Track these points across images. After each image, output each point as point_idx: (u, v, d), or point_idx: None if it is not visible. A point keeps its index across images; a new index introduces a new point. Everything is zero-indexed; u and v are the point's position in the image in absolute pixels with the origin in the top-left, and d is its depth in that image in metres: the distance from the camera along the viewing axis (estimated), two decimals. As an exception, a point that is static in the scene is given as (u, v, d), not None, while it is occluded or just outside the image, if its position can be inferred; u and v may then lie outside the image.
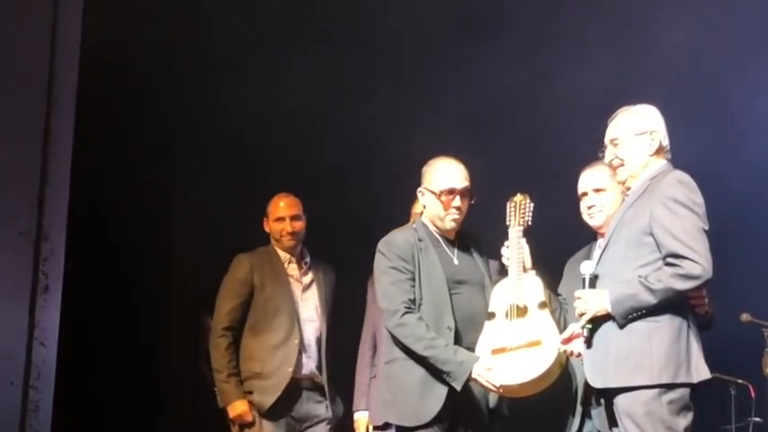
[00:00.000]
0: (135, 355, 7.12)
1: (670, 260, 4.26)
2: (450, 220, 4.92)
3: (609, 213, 4.83)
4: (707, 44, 6.95)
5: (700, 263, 4.23)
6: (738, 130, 7.33)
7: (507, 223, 4.96)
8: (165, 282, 7.40)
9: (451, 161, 4.96)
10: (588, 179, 4.93)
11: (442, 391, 4.68)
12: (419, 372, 4.72)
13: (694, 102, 6.98)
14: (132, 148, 7.02)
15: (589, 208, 4.91)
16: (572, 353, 4.60)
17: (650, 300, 4.25)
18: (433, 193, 4.91)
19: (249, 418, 5.84)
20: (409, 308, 4.75)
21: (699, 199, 4.35)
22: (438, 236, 4.94)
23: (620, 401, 4.31)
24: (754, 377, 6.66)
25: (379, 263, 4.87)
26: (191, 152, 7.54)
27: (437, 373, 4.69)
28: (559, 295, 5.05)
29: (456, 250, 4.96)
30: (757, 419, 6.71)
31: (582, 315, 4.40)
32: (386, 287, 4.82)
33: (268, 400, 5.78)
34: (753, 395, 6.71)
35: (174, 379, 7.33)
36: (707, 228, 4.32)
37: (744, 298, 6.73)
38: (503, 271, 4.98)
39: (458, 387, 4.66)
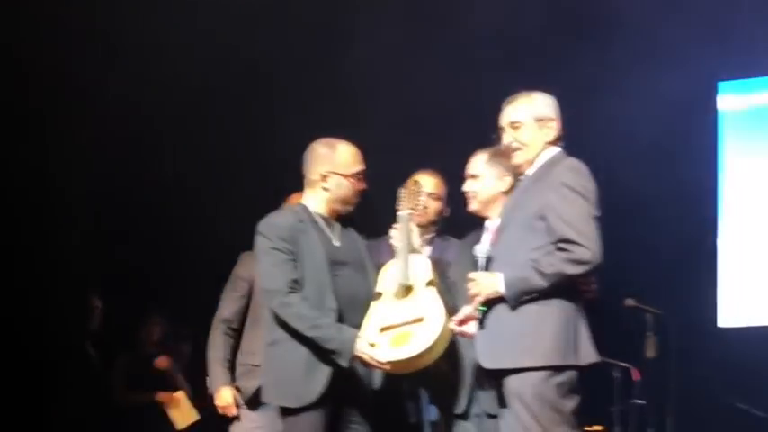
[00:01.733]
0: (19, 337, 7.01)
1: (561, 245, 4.33)
2: (354, 203, 4.93)
3: (480, 199, 4.89)
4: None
5: (590, 248, 4.31)
6: (624, 116, 7.49)
7: (398, 207, 5.02)
8: (49, 264, 7.29)
9: (349, 143, 4.95)
10: (470, 164, 4.98)
11: (326, 371, 4.66)
12: (303, 352, 4.68)
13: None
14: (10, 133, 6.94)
15: (466, 194, 4.97)
16: (465, 334, 4.65)
17: (542, 283, 4.32)
18: (345, 176, 4.88)
19: (233, 411, 5.79)
20: (293, 288, 4.72)
21: (591, 186, 4.42)
22: (318, 218, 4.91)
23: (510, 383, 4.37)
24: (636, 360, 6.80)
25: (261, 244, 4.82)
26: (72, 137, 7.43)
27: (322, 352, 4.67)
28: (449, 278, 5.10)
29: (336, 232, 4.94)
30: (639, 401, 6.85)
31: (475, 297, 4.46)
32: (268, 268, 4.78)
33: (254, 384, 5.64)
34: (635, 378, 6.84)
35: (59, 360, 7.23)
36: (598, 214, 4.39)
37: (627, 283, 6.88)
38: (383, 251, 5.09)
39: (344, 364, 4.65)
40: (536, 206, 4.42)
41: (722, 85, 8.07)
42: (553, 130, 4.59)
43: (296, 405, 4.67)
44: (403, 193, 5.06)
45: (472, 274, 4.49)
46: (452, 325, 4.68)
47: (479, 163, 4.92)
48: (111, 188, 7.44)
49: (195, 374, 7.74)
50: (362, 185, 4.91)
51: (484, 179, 4.90)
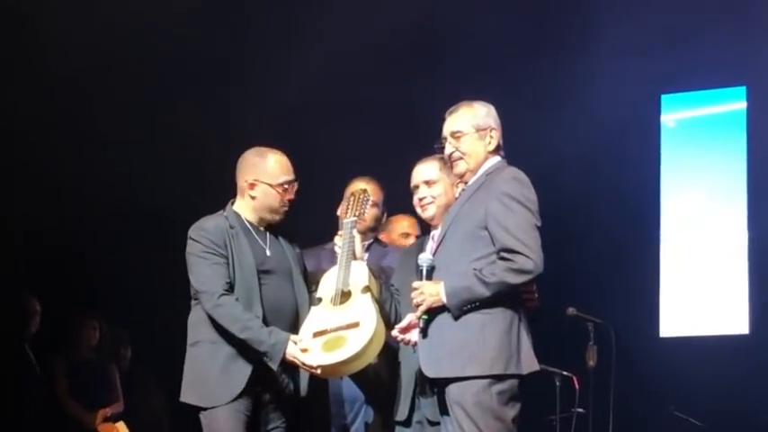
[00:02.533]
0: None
1: (503, 254, 4.35)
2: (282, 213, 4.93)
3: (439, 205, 4.89)
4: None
5: (532, 258, 4.33)
6: (567, 126, 7.55)
7: (340, 214, 5.09)
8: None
9: (280, 153, 4.96)
10: (420, 172, 4.97)
11: (245, 373, 4.68)
12: (223, 354, 4.70)
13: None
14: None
15: (421, 200, 4.96)
16: (408, 342, 4.66)
17: (484, 292, 4.34)
18: (272, 186, 4.89)
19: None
20: (227, 290, 4.73)
21: (532, 195, 4.44)
22: (249, 225, 4.92)
23: (452, 391, 4.39)
24: (578, 369, 6.84)
25: (193, 248, 4.82)
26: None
27: (252, 353, 4.68)
28: (392, 285, 5.11)
29: (267, 240, 4.95)
30: (580, 410, 6.88)
31: (418, 306, 4.47)
32: (202, 270, 4.77)
33: None
34: (577, 387, 6.88)
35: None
36: (539, 224, 4.41)
37: (569, 292, 6.93)
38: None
39: (274, 367, 4.68)
40: (478, 215, 4.44)
41: (665, 98, 8.15)
42: (494, 139, 4.61)
43: (210, 405, 4.69)
44: (350, 200, 5.09)
45: (416, 283, 4.50)
46: (395, 333, 4.69)
47: (433, 170, 4.93)
48: (51, 187, 7.36)
49: (135, 379, 7.73)
50: (290, 196, 4.92)
51: (441, 185, 4.92)
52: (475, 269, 4.37)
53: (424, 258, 4.54)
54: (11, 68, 7.08)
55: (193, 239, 4.84)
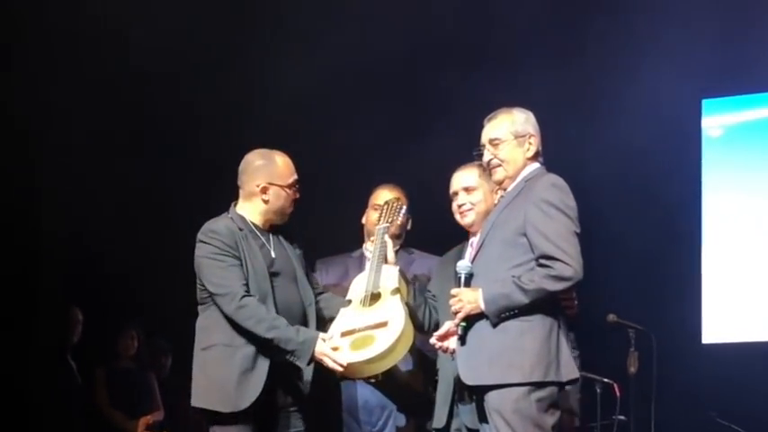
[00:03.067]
0: (2, 350, 6.99)
1: (542, 261, 4.34)
2: (289, 213, 4.95)
3: (479, 211, 4.91)
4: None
5: (571, 265, 4.31)
6: (609, 132, 7.51)
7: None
8: (32, 275, 7.25)
9: (282, 153, 4.97)
10: (459, 179, 4.99)
11: (261, 378, 4.66)
12: (239, 358, 4.67)
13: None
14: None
15: (460, 207, 4.97)
16: (447, 349, 4.64)
17: (523, 299, 4.32)
18: (283, 187, 4.89)
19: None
20: (247, 291, 4.72)
21: (571, 202, 4.43)
22: (254, 227, 4.91)
23: (491, 398, 4.37)
24: (619, 376, 6.79)
25: (205, 251, 4.79)
26: (54, 148, 7.43)
27: (274, 354, 4.67)
28: (429, 292, 5.13)
29: (271, 241, 4.94)
30: (621, 417, 6.83)
31: (456, 313, 4.45)
32: (219, 272, 4.74)
33: None
34: (617, 394, 6.84)
35: (41, 374, 7.20)
36: (578, 230, 4.40)
37: (610, 299, 6.88)
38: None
39: (302, 366, 4.68)
40: (517, 222, 4.43)
41: (707, 103, 8.08)
42: (533, 145, 4.60)
43: (227, 410, 4.66)
44: (384, 208, 5.17)
45: (454, 291, 4.49)
46: (433, 340, 4.69)
47: (473, 176, 4.95)
48: (93, 200, 7.41)
49: (176, 387, 7.75)
50: (297, 195, 4.93)
51: (480, 192, 4.94)
52: (513, 276, 4.36)
53: (463, 265, 4.53)
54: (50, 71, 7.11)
55: (205, 242, 4.80)
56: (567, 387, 4.53)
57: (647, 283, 7.64)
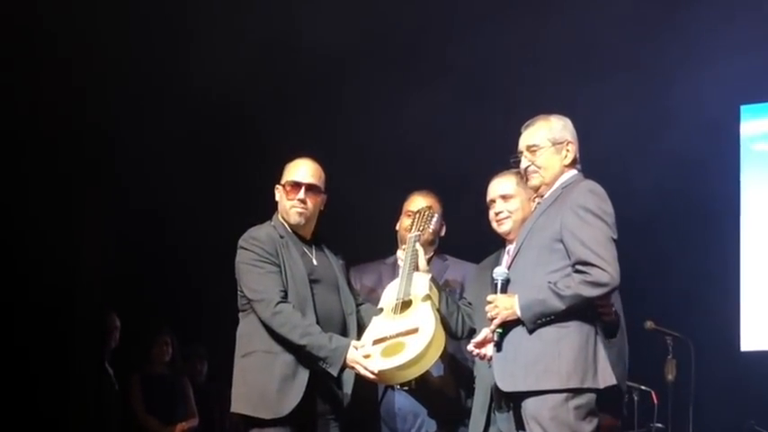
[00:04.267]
0: (39, 357, 7.03)
1: (579, 267, 4.32)
2: (294, 213, 4.94)
3: (516, 219, 4.90)
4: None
5: (608, 271, 4.29)
6: (648, 137, 7.48)
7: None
8: (70, 282, 7.31)
9: (305, 159, 5.01)
10: (496, 186, 4.99)
11: (301, 386, 4.69)
12: (280, 365, 4.71)
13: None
14: (29, 143, 6.97)
15: (497, 215, 4.97)
16: (484, 356, 4.63)
17: (559, 305, 4.31)
18: (281, 186, 4.97)
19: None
20: (283, 298, 4.75)
21: (609, 208, 4.41)
22: (295, 234, 4.96)
23: (528, 405, 4.35)
24: (656, 384, 6.76)
25: (245, 257, 4.85)
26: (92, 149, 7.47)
27: (309, 362, 4.69)
28: (464, 299, 5.13)
29: (313, 250, 4.99)
30: (659, 425, 6.82)
31: (492, 319, 4.45)
32: (258, 278, 4.80)
33: None
34: (655, 401, 6.81)
35: (79, 379, 7.25)
36: (616, 237, 4.38)
37: (648, 306, 6.85)
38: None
39: (334, 373, 4.70)
40: (554, 228, 4.41)
41: (745, 109, 8.03)
42: (570, 152, 4.59)
43: (269, 417, 4.68)
44: (416, 216, 5.20)
45: (490, 297, 4.48)
46: (470, 347, 4.68)
47: (510, 184, 4.95)
48: (131, 206, 7.45)
49: (212, 393, 7.78)
50: (294, 195, 4.92)
51: (518, 200, 4.94)
52: (550, 282, 4.35)
53: (499, 272, 4.53)
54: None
55: (245, 249, 4.87)
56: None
57: (685, 290, 7.59)
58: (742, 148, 7.99)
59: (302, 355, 4.70)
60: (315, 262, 4.95)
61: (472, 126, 7.59)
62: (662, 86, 7.52)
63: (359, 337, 4.88)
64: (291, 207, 4.93)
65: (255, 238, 4.87)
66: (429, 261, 5.28)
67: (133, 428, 7.44)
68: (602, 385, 4.35)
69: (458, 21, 7.43)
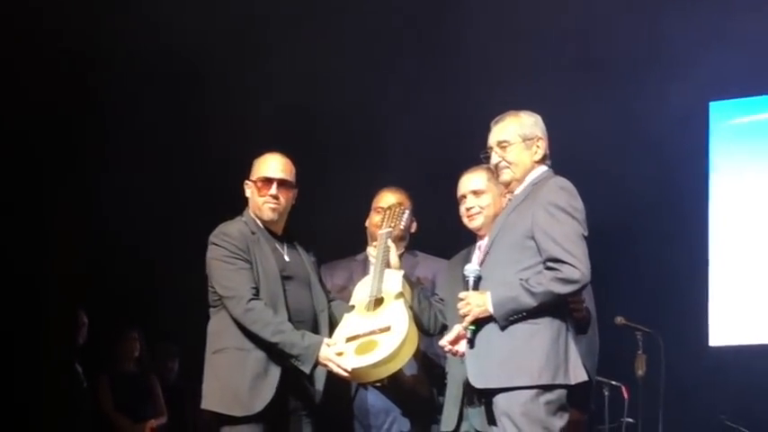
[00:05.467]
0: (8, 355, 7.00)
1: (550, 264, 4.34)
2: (267, 209, 4.92)
3: (487, 215, 4.90)
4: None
5: (579, 268, 4.31)
6: (615, 133, 7.51)
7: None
8: (39, 279, 7.27)
9: (275, 154, 5.00)
10: (467, 182, 4.99)
11: (273, 383, 4.68)
12: (252, 362, 4.70)
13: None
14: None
15: (468, 210, 4.96)
16: (456, 353, 4.64)
17: (531, 302, 4.33)
18: (252, 182, 4.95)
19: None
20: (255, 295, 4.74)
21: (579, 205, 4.43)
22: (266, 230, 4.95)
23: (500, 401, 4.37)
24: (626, 379, 6.80)
25: (216, 253, 4.83)
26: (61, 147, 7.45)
27: (282, 359, 4.68)
28: (436, 295, 5.14)
29: (285, 246, 4.98)
30: (629, 420, 6.84)
31: (465, 316, 4.46)
32: (229, 275, 4.78)
33: None
34: (626, 396, 6.84)
35: (48, 377, 7.21)
36: (586, 233, 4.40)
37: (618, 301, 6.88)
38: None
39: (306, 370, 4.69)
40: (525, 225, 4.43)
41: (713, 105, 8.08)
42: (541, 149, 4.60)
43: (241, 414, 4.67)
44: (386, 213, 5.19)
45: (462, 294, 4.49)
46: (443, 343, 4.69)
47: (481, 180, 4.95)
48: (99, 203, 7.43)
49: (182, 390, 7.76)
50: (267, 191, 4.91)
51: (489, 195, 4.94)
52: (521, 279, 4.37)
53: (471, 269, 4.54)
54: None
55: (216, 245, 4.84)
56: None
57: (655, 286, 7.65)
58: (711, 144, 8.04)
59: (274, 352, 4.69)
60: (287, 258, 4.93)
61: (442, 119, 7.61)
62: (631, 83, 7.55)
63: (330, 334, 4.88)
64: (264, 203, 4.91)
65: (227, 234, 4.84)
66: (400, 257, 5.27)
67: (102, 426, 7.41)
68: (573, 381, 4.37)
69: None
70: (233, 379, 4.71)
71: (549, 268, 4.34)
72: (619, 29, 7.27)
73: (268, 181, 4.92)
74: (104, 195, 7.44)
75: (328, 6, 7.33)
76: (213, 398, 4.78)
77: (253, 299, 4.72)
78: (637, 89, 7.54)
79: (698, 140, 8.01)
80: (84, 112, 7.23)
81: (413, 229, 5.58)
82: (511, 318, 4.36)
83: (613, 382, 6.86)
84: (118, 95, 7.24)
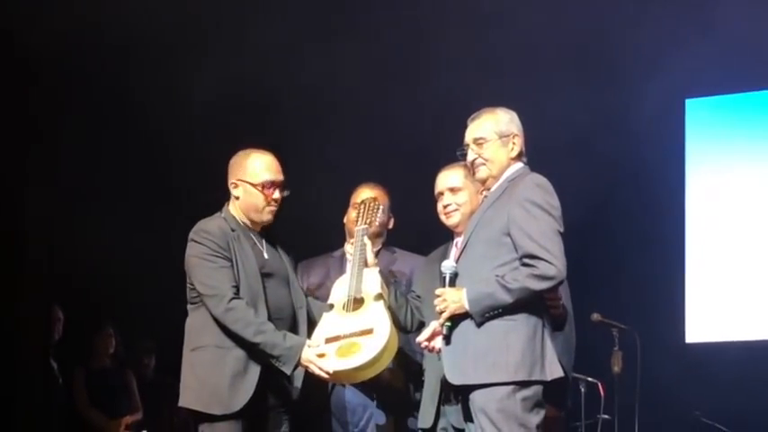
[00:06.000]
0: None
1: (526, 260, 4.34)
2: (268, 213, 4.90)
3: (464, 212, 4.90)
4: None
5: (555, 264, 4.32)
6: (592, 130, 7.52)
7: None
8: (13, 273, 7.23)
9: (269, 155, 4.95)
10: (444, 179, 4.99)
11: (252, 381, 4.65)
12: (231, 360, 4.66)
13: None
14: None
15: (445, 207, 4.96)
16: (433, 349, 4.64)
17: (506, 299, 4.33)
18: (253, 185, 4.87)
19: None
20: (236, 294, 4.70)
21: (555, 202, 4.44)
22: (247, 228, 4.91)
23: (476, 398, 4.38)
24: (603, 375, 6.81)
25: (196, 251, 4.77)
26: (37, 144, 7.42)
27: (262, 359, 4.66)
28: (413, 292, 5.13)
29: (264, 243, 4.95)
30: (605, 416, 6.85)
31: (441, 313, 4.46)
32: (209, 273, 4.72)
33: None
34: (602, 393, 6.85)
35: (22, 374, 7.18)
36: (562, 230, 4.41)
37: (594, 298, 6.90)
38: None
39: (287, 371, 4.67)
40: (501, 222, 4.43)
41: (690, 102, 8.10)
42: (517, 145, 4.61)
43: (220, 413, 4.64)
44: (360, 208, 5.14)
45: (438, 291, 4.49)
46: (420, 339, 4.68)
47: (458, 177, 4.94)
48: (75, 200, 7.40)
49: (160, 388, 7.74)
50: (273, 195, 4.88)
51: (466, 192, 4.93)
52: (497, 276, 4.37)
53: (447, 265, 4.54)
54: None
55: (196, 242, 4.79)
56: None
57: (631, 282, 7.66)
58: (687, 142, 8.06)
59: (255, 352, 4.67)
60: (266, 255, 4.90)
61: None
62: (606, 81, 7.56)
63: (310, 331, 4.86)
64: (266, 206, 4.88)
65: (207, 232, 4.79)
66: (377, 254, 5.26)
67: (77, 422, 7.38)
68: (549, 377, 4.38)
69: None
70: (212, 377, 4.68)
71: (525, 265, 4.34)
72: (594, 24, 7.28)
73: (273, 184, 4.88)
74: (81, 193, 7.41)
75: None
76: (191, 395, 4.75)
77: (234, 298, 4.69)
78: (613, 86, 7.54)
79: (675, 137, 8.03)
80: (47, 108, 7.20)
81: (390, 226, 5.57)
82: (487, 314, 4.37)
83: (590, 379, 6.86)
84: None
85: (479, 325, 4.38)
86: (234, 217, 4.90)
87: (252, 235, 4.91)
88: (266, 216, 4.91)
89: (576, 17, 7.30)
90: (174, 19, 6.98)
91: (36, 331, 7.23)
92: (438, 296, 4.48)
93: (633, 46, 7.49)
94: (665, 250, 7.88)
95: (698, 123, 8.09)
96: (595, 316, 6.73)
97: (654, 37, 7.42)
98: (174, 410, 7.36)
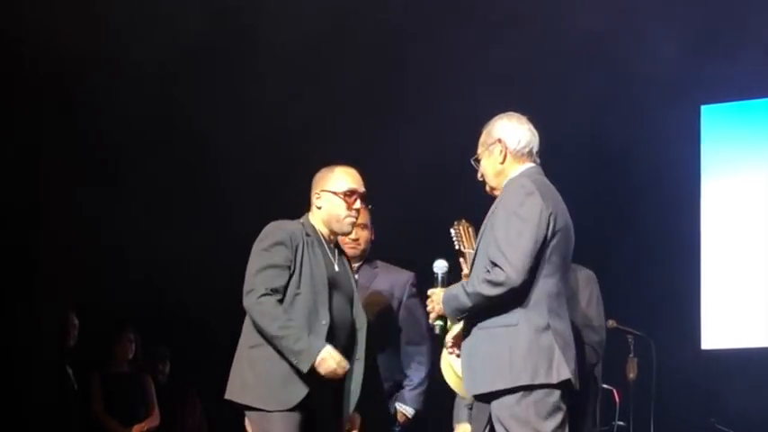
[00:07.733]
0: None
1: (487, 266, 4.34)
2: (348, 222, 4.95)
3: None
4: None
5: (506, 270, 4.26)
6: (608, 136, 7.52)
7: (457, 248, 4.95)
8: (29, 279, 7.27)
9: (351, 168, 5.02)
10: None
11: (308, 379, 4.69)
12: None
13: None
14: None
15: None
16: (453, 351, 4.65)
17: (466, 302, 4.35)
18: (335, 193, 4.92)
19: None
20: (271, 292, 4.73)
21: (531, 207, 4.33)
22: (322, 237, 4.96)
23: (492, 406, 4.38)
24: (618, 382, 6.79)
25: (261, 242, 4.85)
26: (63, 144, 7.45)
27: (283, 353, 4.69)
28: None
29: (336, 256, 4.99)
30: (621, 423, 6.84)
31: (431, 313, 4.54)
32: (257, 267, 4.78)
33: None
34: (617, 400, 6.84)
35: (38, 380, 7.21)
36: (537, 234, 4.30)
37: (609, 304, 6.88)
38: None
39: (303, 369, 4.67)
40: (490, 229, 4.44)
41: (705, 109, 8.09)
42: (501, 147, 4.53)
43: (276, 409, 4.70)
44: (458, 233, 4.93)
45: (430, 291, 4.57)
46: (447, 340, 4.66)
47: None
48: (92, 204, 7.43)
49: (174, 393, 7.76)
50: (353, 204, 4.93)
51: None
52: (464, 280, 4.42)
53: (439, 265, 4.63)
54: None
55: (267, 234, 4.86)
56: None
57: (647, 289, 7.64)
58: (703, 148, 8.05)
59: (275, 347, 4.70)
60: (336, 268, 4.95)
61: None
62: (623, 88, 7.56)
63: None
64: (347, 216, 4.94)
65: (280, 228, 4.86)
66: (359, 269, 5.31)
67: (93, 429, 7.40)
68: (555, 380, 4.31)
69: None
70: (271, 373, 4.73)
71: (487, 270, 4.34)
72: (610, 31, 7.29)
73: (355, 193, 4.95)
74: (98, 196, 7.44)
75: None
76: (247, 391, 4.79)
77: (265, 295, 4.72)
78: (629, 93, 7.54)
79: (690, 144, 8.01)
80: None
81: (371, 237, 5.56)
82: (459, 315, 4.42)
83: (605, 386, 6.83)
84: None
85: (469, 332, 4.42)
86: (312, 225, 4.96)
87: (326, 245, 4.95)
88: (346, 227, 4.97)
89: (592, 23, 7.29)
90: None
91: (51, 337, 7.25)
92: (429, 296, 4.55)
93: (650, 53, 7.48)
94: (680, 257, 7.86)
95: (713, 130, 8.06)
96: (611, 323, 6.70)
97: (670, 44, 7.40)
98: (188, 416, 7.40)
